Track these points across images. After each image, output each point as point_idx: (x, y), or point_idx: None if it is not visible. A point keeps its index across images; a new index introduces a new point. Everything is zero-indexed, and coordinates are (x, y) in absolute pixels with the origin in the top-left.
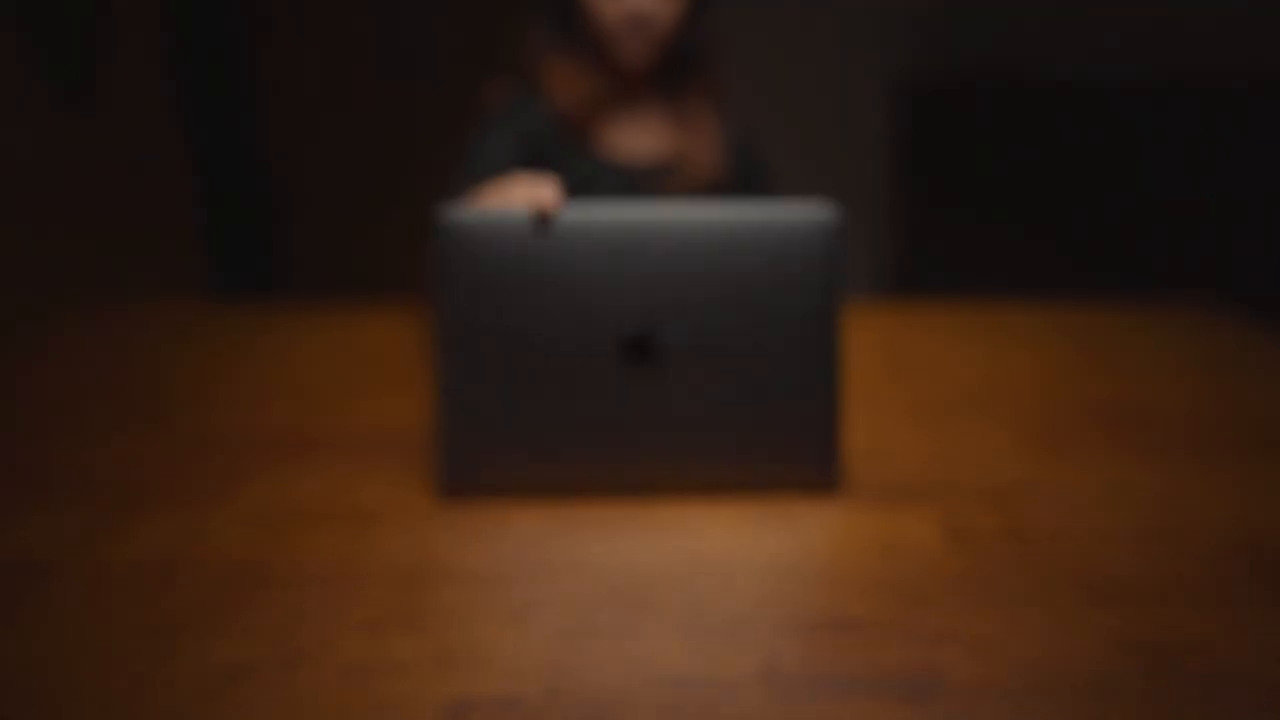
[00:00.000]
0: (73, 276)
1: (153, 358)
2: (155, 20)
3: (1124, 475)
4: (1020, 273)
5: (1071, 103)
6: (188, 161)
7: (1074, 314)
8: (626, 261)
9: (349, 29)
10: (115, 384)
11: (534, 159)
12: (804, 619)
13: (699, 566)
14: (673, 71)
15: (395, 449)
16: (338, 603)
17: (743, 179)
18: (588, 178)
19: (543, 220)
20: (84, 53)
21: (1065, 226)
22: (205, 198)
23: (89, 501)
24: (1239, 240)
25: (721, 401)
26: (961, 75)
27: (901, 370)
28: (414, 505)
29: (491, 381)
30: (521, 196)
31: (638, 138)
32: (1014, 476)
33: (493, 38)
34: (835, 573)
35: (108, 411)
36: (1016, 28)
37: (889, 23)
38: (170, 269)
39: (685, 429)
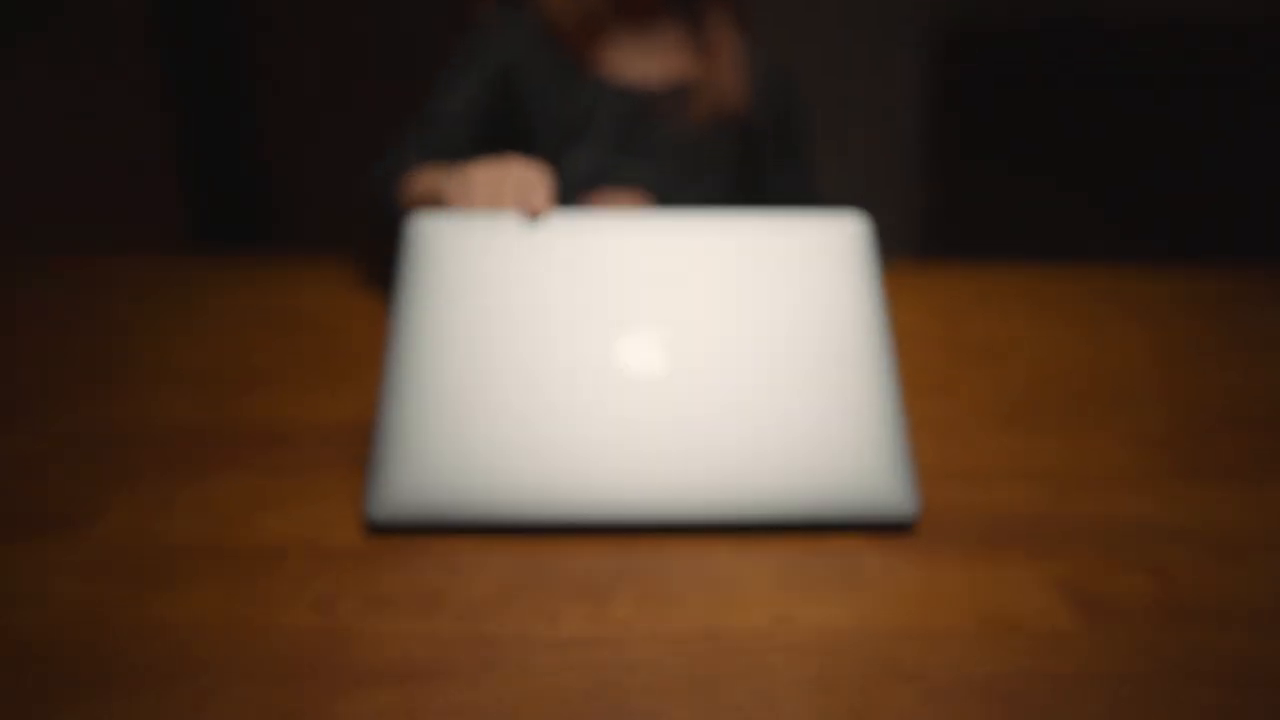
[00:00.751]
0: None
1: (81, 323)
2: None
3: None
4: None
5: (1135, 42)
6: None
7: (1182, 278)
8: (629, 269)
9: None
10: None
11: (513, 97)
12: None
13: (720, 660)
14: None
15: (323, 457)
16: None
17: (778, 116)
18: (587, 107)
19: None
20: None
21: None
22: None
23: None
24: None
25: (745, 418)
26: (1004, 14)
27: (970, 355)
28: (331, 545)
29: (449, 395)
30: (511, 202)
31: (647, 59)
32: (1148, 510)
33: None
34: (919, 669)
35: None
36: None
37: None
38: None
39: (701, 454)
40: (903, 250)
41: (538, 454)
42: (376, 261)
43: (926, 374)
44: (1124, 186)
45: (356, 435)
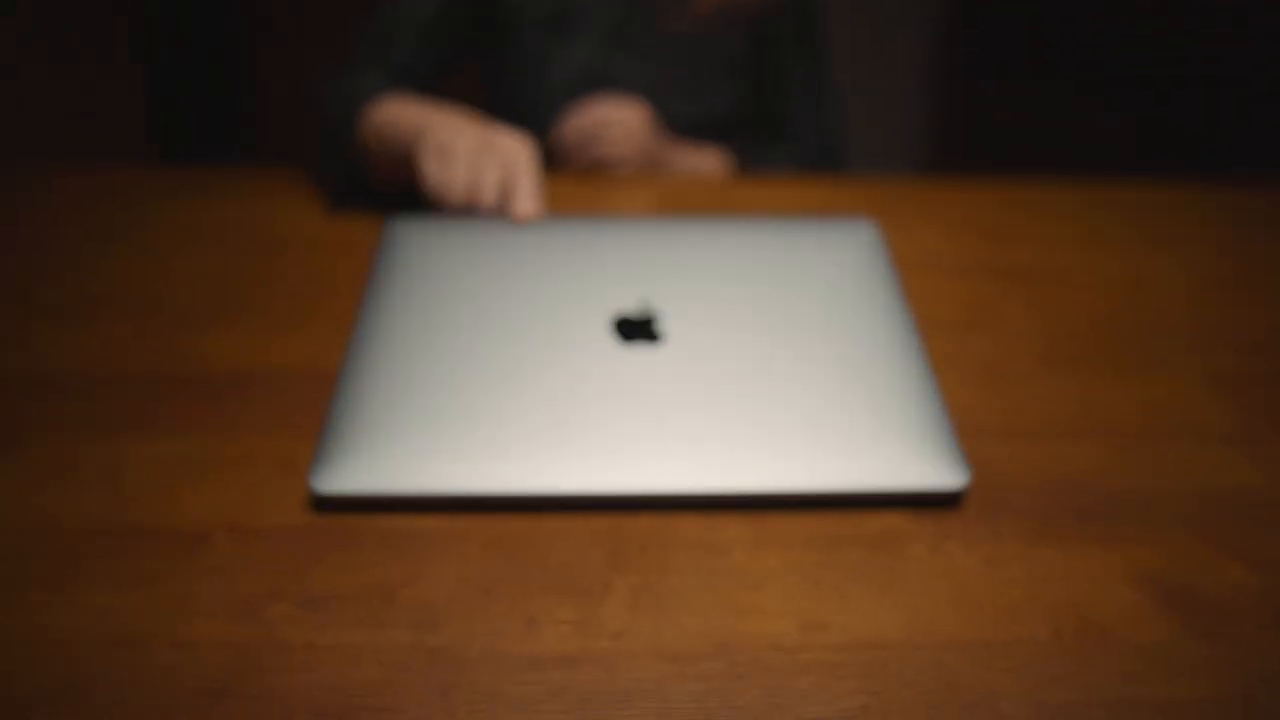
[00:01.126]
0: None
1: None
2: None
3: None
4: (1087, 147)
5: None
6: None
7: (1243, 195)
8: (626, 272)
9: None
10: None
11: None
12: None
13: (737, 686)
14: None
15: (274, 412)
16: None
17: (793, 15)
18: None
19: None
20: None
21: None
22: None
23: None
24: None
25: (759, 384)
26: None
27: (1007, 282)
28: (266, 526)
29: (420, 358)
30: (493, 184)
31: None
32: (1246, 481)
33: None
34: (985, 694)
35: None
36: None
37: None
38: None
39: (708, 421)
40: (917, 164)
41: (516, 417)
42: (328, 193)
43: (956, 305)
44: (1145, 91)
45: (318, 385)
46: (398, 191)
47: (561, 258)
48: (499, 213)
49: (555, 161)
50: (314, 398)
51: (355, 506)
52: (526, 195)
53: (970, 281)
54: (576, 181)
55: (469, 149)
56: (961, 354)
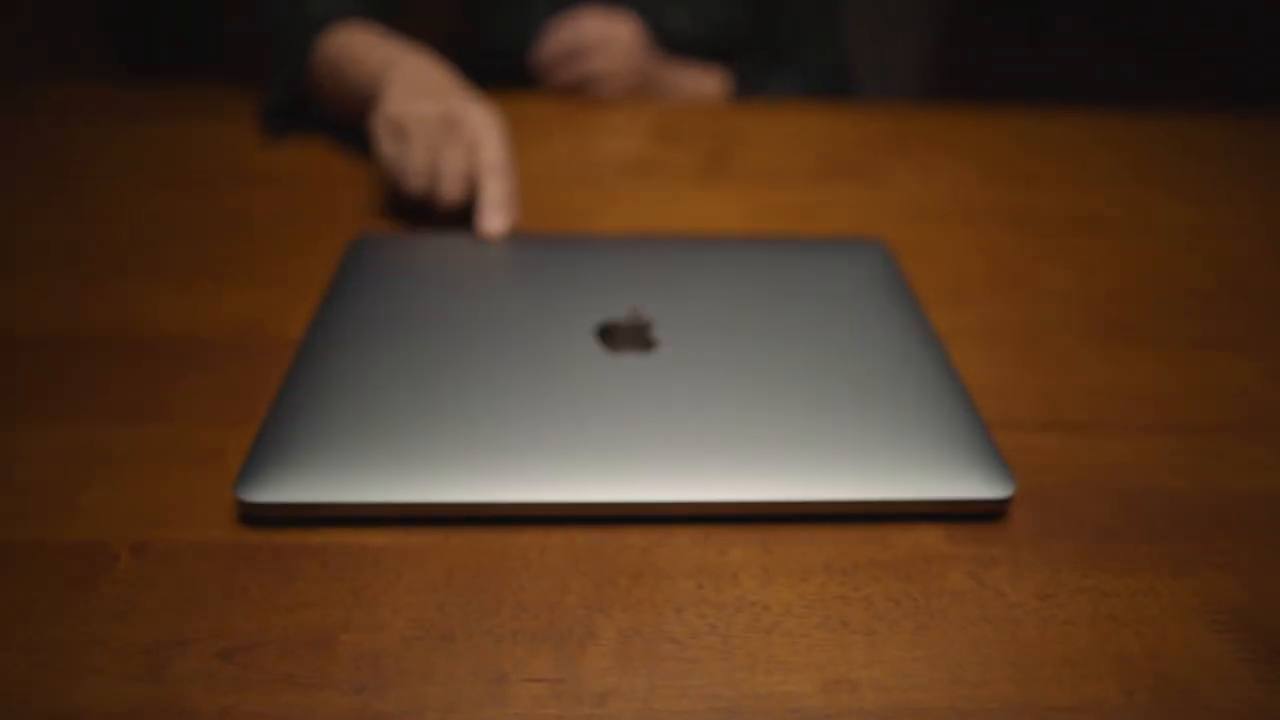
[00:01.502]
0: None
1: None
2: None
3: None
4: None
5: None
6: None
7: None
8: (612, 287)
9: None
10: None
11: None
12: None
13: None
14: None
15: (206, 393)
16: None
17: None
18: None
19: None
20: None
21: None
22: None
23: None
24: None
25: (764, 389)
26: None
27: (1043, 235)
28: (181, 543)
29: (377, 358)
30: (455, 173)
31: None
32: None
33: None
34: None
35: None
36: None
37: None
38: None
39: (709, 427)
40: (922, 93)
41: (483, 422)
42: (267, 122)
43: (977, 263)
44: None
45: (265, 358)
46: (351, 125)
47: (544, 274)
48: (459, 206)
49: (539, 80)
50: (257, 375)
51: (291, 520)
52: (493, 206)
53: (992, 232)
54: (560, 101)
55: (428, 127)
56: (987, 326)
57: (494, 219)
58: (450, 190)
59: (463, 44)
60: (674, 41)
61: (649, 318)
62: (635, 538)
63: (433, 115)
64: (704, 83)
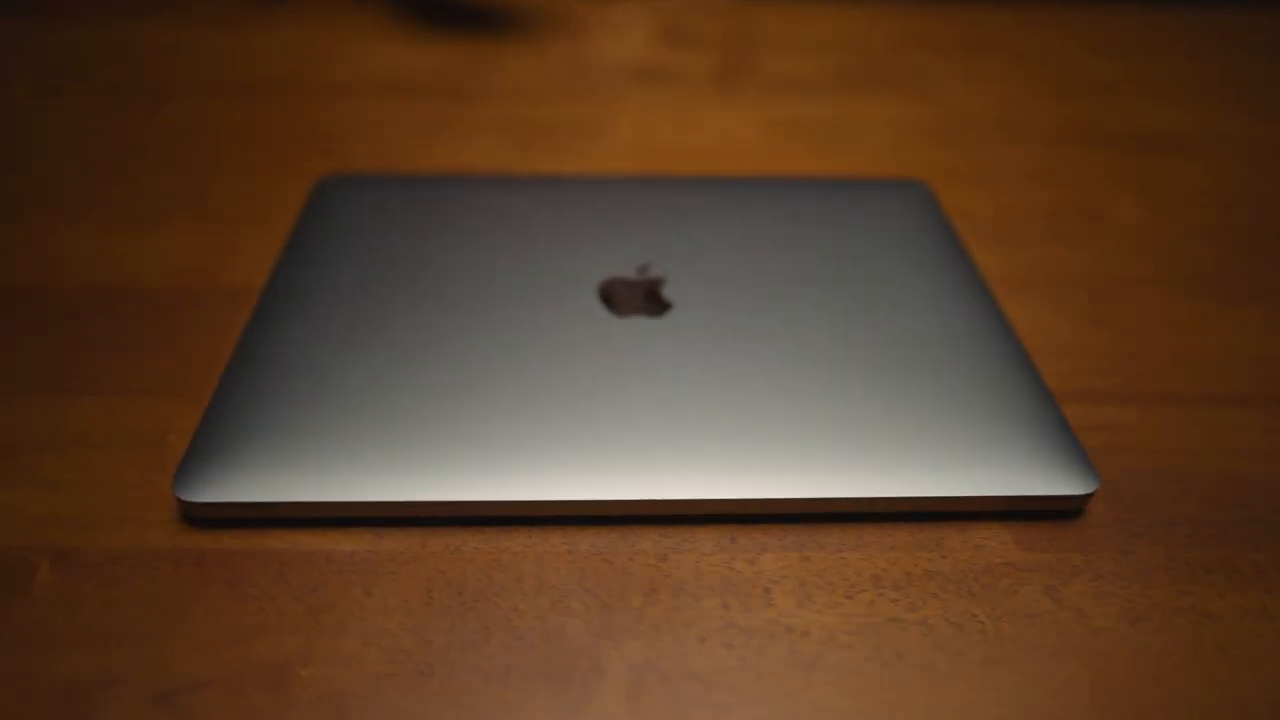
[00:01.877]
0: None
1: None
2: None
3: None
4: None
5: None
6: None
7: None
8: (615, 232)
9: None
10: None
11: None
12: None
13: None
14: None
15: (126, 355)
16: None
17: None
18: None
19: None
20: None
21: None
22: None
23: None
24: None
25: (797, 365)
26: None
27: (1112, 157)
28: (112, 551)
29: (341, 330)
30: None
31: None
32: None
33: None
34: None
35: None
36: None
37: None
38: None
39: (736, 408)
40: None
41: (467, 403)
42: None
43: (1034, 195)
44: None
45: (220, 315)
46: None
47: (539, 223)
48: None
49: None
50: (207, 335)
51: (241, 520)
52: None
53: (1052, 154)
54: None
55: None
56: (1046, 273)
57: None
58: None
59: None
60: None
61: (660, 275)
62: (648, 541)
63: None
64: None
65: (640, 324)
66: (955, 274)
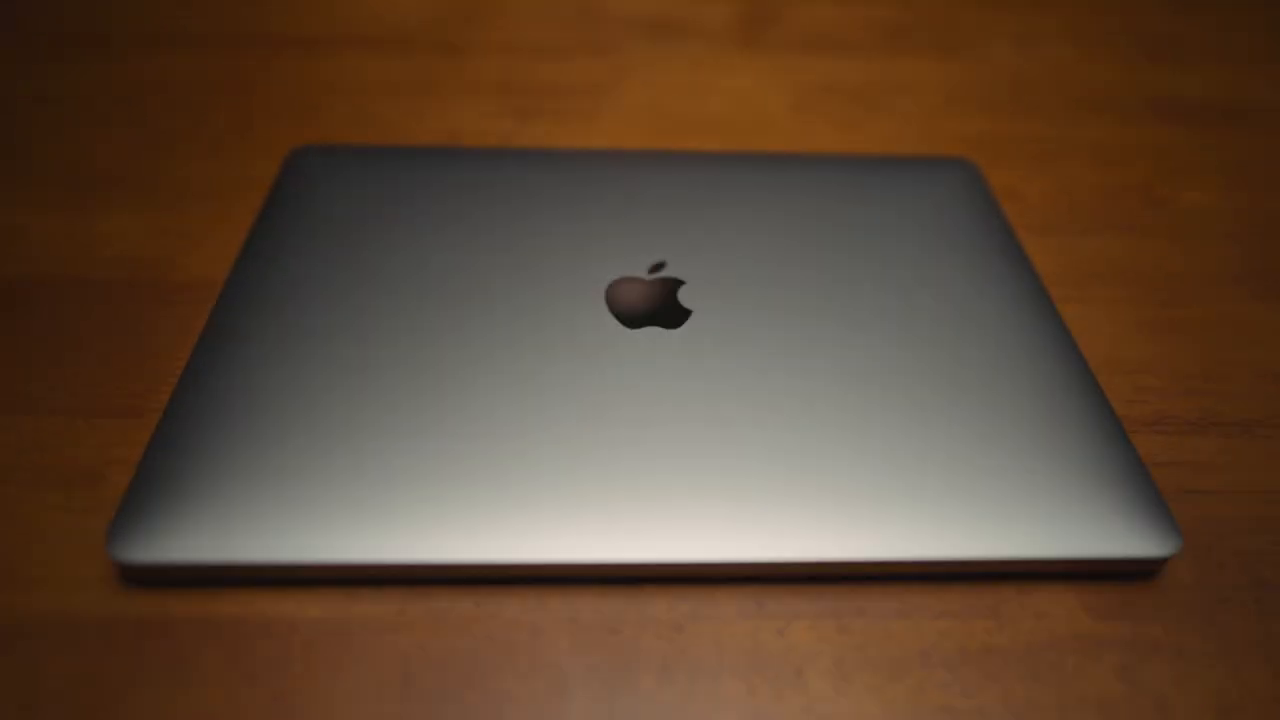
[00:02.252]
0: None
1: None
2: None
3: None
4: None
5: None
6: None
7: None
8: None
9: None
10: None
11: None
12: None
13: None
14: None
15: (61, 366)
16: None
17: None
18: None
19: None
20: None
21: None
22: None
23: None
24: None
25: (832, 395)
26: None
27: (1190, 133)
28: (32, 619)
29: (297, 358)
30: None
31: None
32: None
33: None
34: None
35: None
36: None
37: None
38: None
39: (758, 452)
40: None
41: (450, 442)
42: None
43: (1101, 171)
44: None
45: (176, 305)
46: None
47: (538, 212)
48: None
49: None
50: (157, 339)
51: (185, 581)
52: None
53: (1112, 125)
54: None
55: None
56: (1107, 270)
57: None
58: None
59: None
60: None
61: (678, 277)
62: (661, 606)
63: None
64: None
65: (653, 337)
66: (1009, 276)
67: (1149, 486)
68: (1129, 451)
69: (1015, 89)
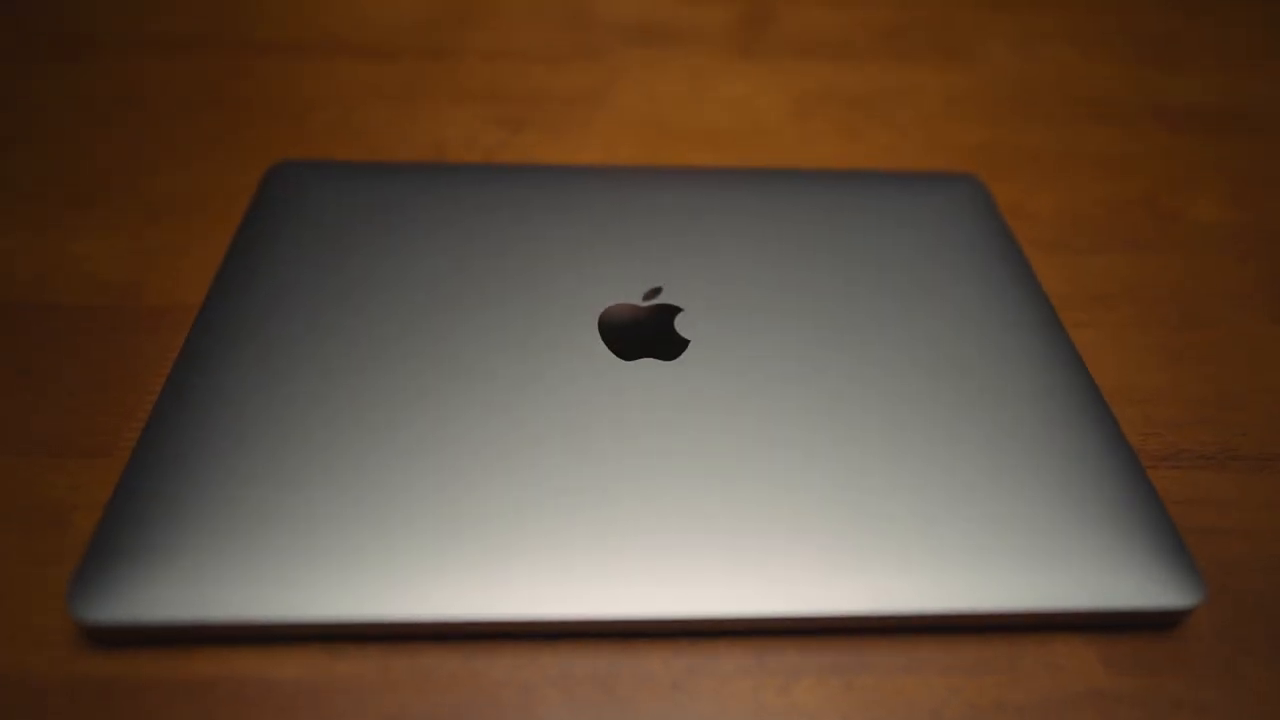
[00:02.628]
0: None
1: None
2: None
3: None
4: None
5: None
6: None
7: None
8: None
9: None
10: None
11: None
12: None
13: None
14: None
15: (22, 396)
16: None
17: None
18: None
19: None
20: None
21: None
22: None
23: None
24: None
25: (837, 431)
26: None
27: (1197, 139)
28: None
29: (272, 399)
30: None
31: None
32: None
33: None
34: None
35: None
36: None
37: None
38: None
39: (762, 493)
40: None
41: (434, 490)
42: None
43: (1108, 183)
44: None
45: (149, 332)
46: None
47: (528, 234)
48: None
49: None
50: (127, 370)
51: (154, 640)
52: None
53: (1118, 133)
54: None
55: None
56: (1115, 289)
57: None
58: None
59: None
60: None
61: (674, 304)
62: (657, 662)
63: None
64: None
65: (648, 370)
66: (1021, 303)
67: (1170, 531)
68: (1149, 492)
69: (1015, 93)
